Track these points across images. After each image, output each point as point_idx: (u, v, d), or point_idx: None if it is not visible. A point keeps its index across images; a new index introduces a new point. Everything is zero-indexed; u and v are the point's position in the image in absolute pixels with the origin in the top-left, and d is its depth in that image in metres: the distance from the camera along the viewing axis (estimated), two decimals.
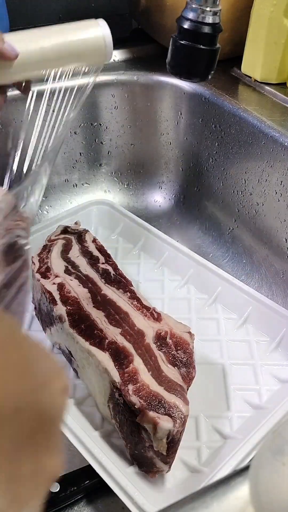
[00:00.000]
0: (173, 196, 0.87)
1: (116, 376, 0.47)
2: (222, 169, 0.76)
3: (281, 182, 0.66)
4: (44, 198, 0.81)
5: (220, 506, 0.40)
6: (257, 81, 0.74)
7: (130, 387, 0.46)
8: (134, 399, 0.45)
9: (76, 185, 0.85)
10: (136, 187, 0.87)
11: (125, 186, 0.87)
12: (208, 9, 0.47)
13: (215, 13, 0.48)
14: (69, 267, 0.61)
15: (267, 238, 0.71)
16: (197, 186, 0.83)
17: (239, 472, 0.43)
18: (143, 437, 0.45)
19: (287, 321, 0.61)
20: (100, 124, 0.82)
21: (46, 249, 0.64)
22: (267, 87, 0.73)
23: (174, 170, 0.86)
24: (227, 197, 0.77)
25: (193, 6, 0.48)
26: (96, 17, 0.59)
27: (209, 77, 0.52)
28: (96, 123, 0.81)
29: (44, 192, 0.80)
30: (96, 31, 0.50)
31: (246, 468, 0.40)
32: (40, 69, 0.49)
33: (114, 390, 0.47)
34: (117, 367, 0.48)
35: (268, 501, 0.37)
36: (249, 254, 0.75)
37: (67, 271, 0.60)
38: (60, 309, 0.54)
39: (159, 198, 0.87)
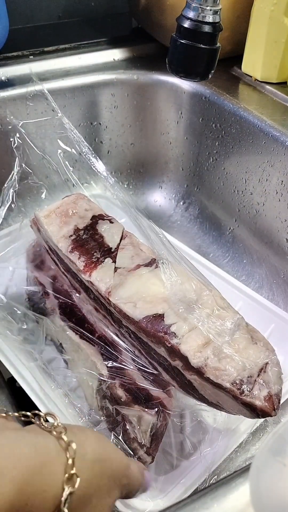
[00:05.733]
0: (173, 195, 0.86)
1: (103, 369, 0.49)
2: (223, 169, 0.76)
3: (282, 181, 0.66)
4: (43, 198, 0.81)
5: (220, 507, 0.40)
6: (258, 80, 0.74)
7: (117, 381, 0.48)
8: (120, 392, 0.47)
9: (76, 185, 0.85)
10: (136, 186, 0.87)
11: (125, 186, 0.87)
12: (208, 8, 0.47)
13: (215, 12, 0.48)
14: None
15: (267, 238, 0.71)
16: (198, 186, 0.83)
17: (240, 473, 0.43)
18: (127, 429, 0.47)
19: (276, 316, 0.61)
20: (100, 124, 0.81)
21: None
22: (267, 87, 0.73)
23: (174, 170, 0.85)
24: (227, 197, 0.77)
25: (193, 5, 0.47)
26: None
27: (210, 76, 0.52)
28: (95, 123, 0.81)
29: (44, 192, 0.81)
30: None
31: (247, 469, 0.40)
32: None
33: (102, 383, 0.49)
34: (105, 360, 0.50)
35: (269, 502, 0.37)
36: (249, 254, 0.75)
37: None
38: (52, 302, 0.55)
39: (159, 197, 0.87)
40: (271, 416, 0.40)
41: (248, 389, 0.40)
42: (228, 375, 0.40)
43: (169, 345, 0.43)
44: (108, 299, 0.48)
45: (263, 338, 0.44)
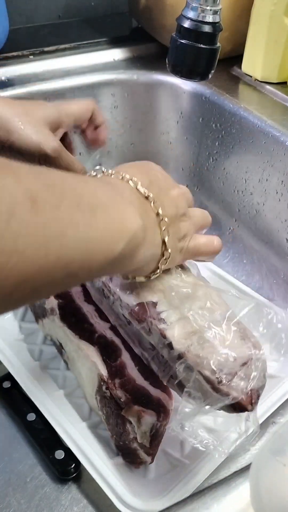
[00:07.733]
0: None
1: (103, 369, 0.49)
2: (223, 169, 0.76)
3: (282, 181, 0.66)
4: None
5: (220, 507, 0.40)
6: (258, 80, 0.74)
7: (117, 381, 0.48)
8: (120, 392, 0.47)
9: None
10: None
11: None
12: (208, 8, 0.47)
13: (215, 12, 0.48)
14: None
15: (267, 238, 0.71)
16: (197, 186, 0.83)
17: (240, 473, 0.43)
18: (127, 429, 0.46)
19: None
20: None
21: None
22: (267, 86, 0.73)
23: (174, 170, 0.85)
24: (227, 197, 0.77)
25: (193, 5, 0.48)
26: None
27: (210, 76, 0.52)
28: None
29: None
30: None
31: (247, 469, 0.40)
32: None
33: (102, 383, 0.49)
34: (105, 361, 0.50)
35: (268, 502, 0.37)
36: (249, 254, 0.75)
37: None
38: (52, 302, 0.55)
39: None
40: (248, 410, 0.40)
41: (227, 380, 0.40)
42: (209, 364, 0.40)
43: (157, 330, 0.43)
44: (108, 285, 0.49)
45: (252, 336, 0.44)
